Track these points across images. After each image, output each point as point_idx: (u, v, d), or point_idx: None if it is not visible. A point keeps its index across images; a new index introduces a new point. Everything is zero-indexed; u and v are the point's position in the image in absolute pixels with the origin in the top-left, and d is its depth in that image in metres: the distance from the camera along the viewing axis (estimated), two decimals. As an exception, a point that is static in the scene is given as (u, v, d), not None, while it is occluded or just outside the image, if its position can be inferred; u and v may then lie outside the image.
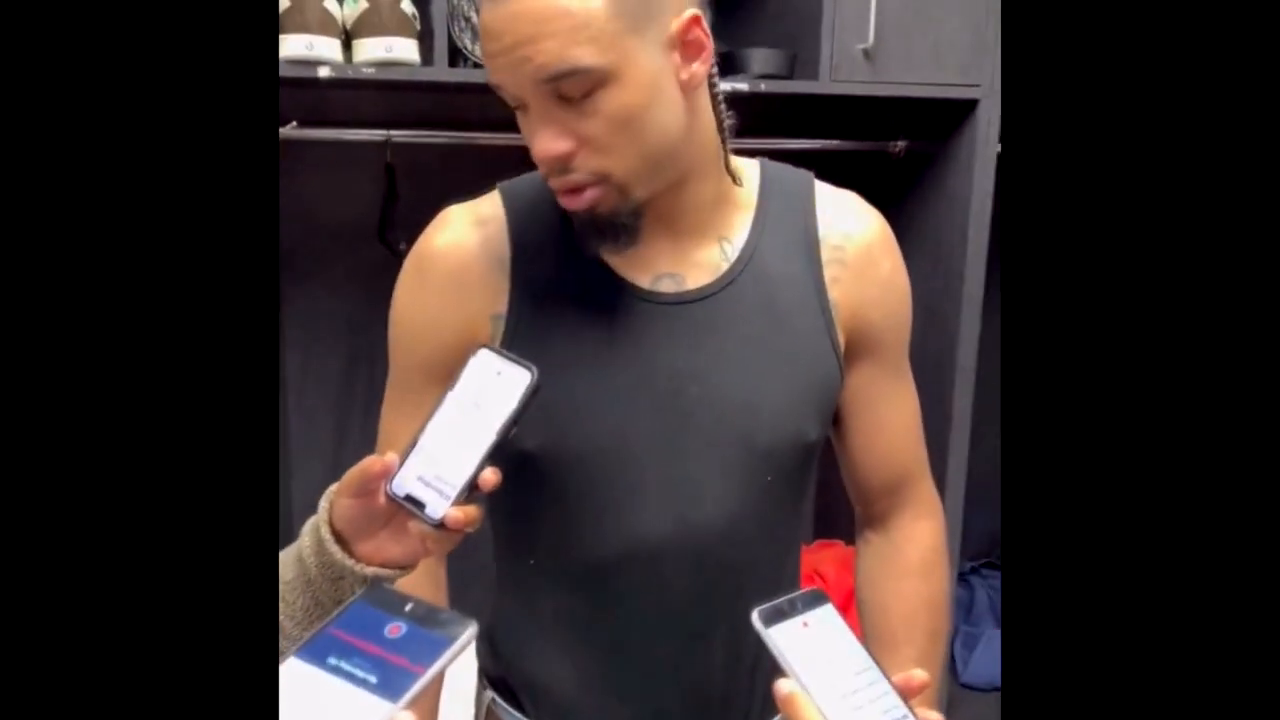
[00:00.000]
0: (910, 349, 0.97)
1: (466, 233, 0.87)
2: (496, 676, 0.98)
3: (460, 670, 1.00)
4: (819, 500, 2.26)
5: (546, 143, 0.76)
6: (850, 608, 1.01)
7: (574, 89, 0.74)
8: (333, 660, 0.55)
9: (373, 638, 0.57)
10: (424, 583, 0.87)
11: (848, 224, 0.91)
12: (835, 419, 0.95)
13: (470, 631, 0.57)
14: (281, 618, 0.70)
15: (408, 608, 0.59)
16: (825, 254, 0.89)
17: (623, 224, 0.80)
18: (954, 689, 2.21)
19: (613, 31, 0.72)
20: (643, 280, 0.86)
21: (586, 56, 0.72)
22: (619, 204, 0.79)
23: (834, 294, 0.89)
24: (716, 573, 0.87)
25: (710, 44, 0.78)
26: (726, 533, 0.87)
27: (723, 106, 0.85)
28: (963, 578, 2.41)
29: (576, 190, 0.78)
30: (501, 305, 0.86)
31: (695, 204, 0.86)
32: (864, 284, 0.90)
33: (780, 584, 0.93)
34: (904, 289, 0.95)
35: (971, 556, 2.45)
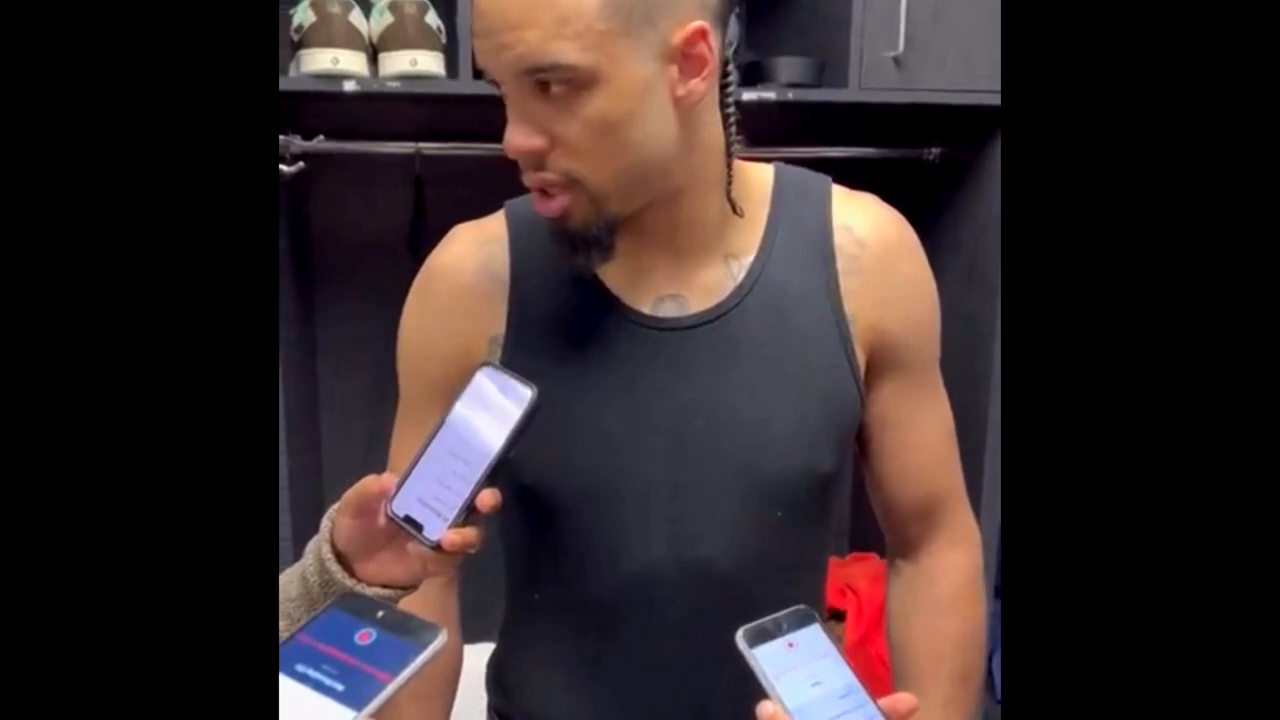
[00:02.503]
0: (945, 360, 0.91)
1: (467, 252, 0.85)
2: (503, 711, 0.96)
3: (470, 705, 0.99)
4: (854, 511, 2.23)
5: (518, 138, 0.73)
6: (881, 623, 0.97)
7: (553, 85, 0.70)
8: (300, 668, 0.55)
9: (342, 645, 0.57)
10: (428, 611, 0.85)
11: (863, 229, 0.85)
12: (860, 440, 0.90)
13: (440, 640, 0.57)
14: (284, 635, 0.70)
15: (379, 614, 0.59)
16: (841, 263, 0.84)
17: (595, 237, 0.76)
18: (991, 706, 2.16)
19: (601, 31, 0.68)
20: (644, 303, 0.82)
21: (568, 53, 0.68)
22: (590, 216, 0.75)
23: (851, 306, 0.83)
24: (722, 611, 0.80)
25: (714, 60, 0.73)
26: (732, 572, 0.83)
27: (733, 128, 0.80)
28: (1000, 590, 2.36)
29: (548, 194, 0.75)
30: (499, 327, 0.83)
31: (697, 220, 0.81)
32: (883, 292, 0.84)
33: None
34: (928, 295, 0.88)
35: (1011, 570, 2.39)
